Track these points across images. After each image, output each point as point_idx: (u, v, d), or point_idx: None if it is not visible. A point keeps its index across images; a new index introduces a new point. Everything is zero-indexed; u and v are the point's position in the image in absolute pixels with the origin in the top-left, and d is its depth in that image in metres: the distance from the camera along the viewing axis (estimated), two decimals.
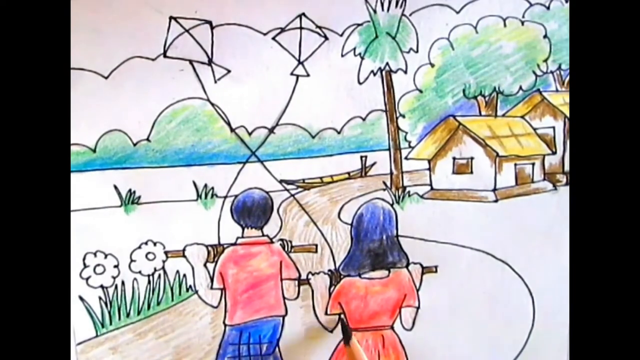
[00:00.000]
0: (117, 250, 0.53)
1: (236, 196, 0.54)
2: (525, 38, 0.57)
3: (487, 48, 0.57)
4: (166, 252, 0.53)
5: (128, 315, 0.53)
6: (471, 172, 0.58)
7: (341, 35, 0.55)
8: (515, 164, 0.59)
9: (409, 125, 0.57)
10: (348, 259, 0.56)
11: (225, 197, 0.54)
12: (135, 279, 0.53)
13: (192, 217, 0.54)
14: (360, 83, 0.56)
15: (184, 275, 0.54)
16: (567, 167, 0.59)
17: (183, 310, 0.54)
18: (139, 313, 0.53)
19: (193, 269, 0.54)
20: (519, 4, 0.57)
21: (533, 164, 0.59)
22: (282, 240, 0.55)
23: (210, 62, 0.53)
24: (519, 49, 0.58)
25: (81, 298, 0.52)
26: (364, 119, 0.56)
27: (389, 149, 0.57)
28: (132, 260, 0.53)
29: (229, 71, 0.54)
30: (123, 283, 0.53)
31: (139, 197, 0.53)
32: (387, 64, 0.56)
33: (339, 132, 0.56)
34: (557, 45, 0.58)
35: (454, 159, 0.58)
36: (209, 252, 0.54)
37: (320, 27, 0.54)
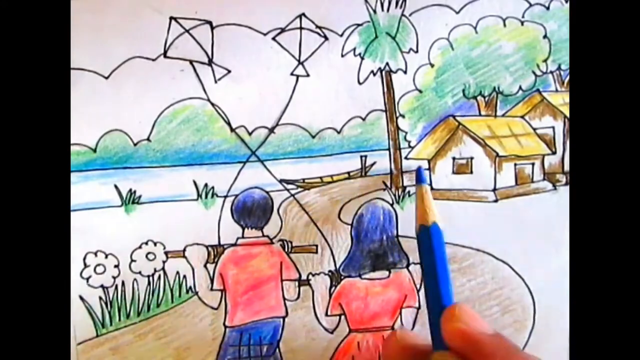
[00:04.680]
0: (118, 250, 0.53)
1: (236, 196, 0.54)
2: (525, 38, 0.58)
3: (487, 48, 0.57)
4: (166, 253, 0.53)
5: (128, 316, 0.53)
6: (471, 172, 0.58)
7: (341, 35, 0.55)
8: (515, 164, 0.58)
9: (408, 125, 0.57)
10: (348, 259, 0.55)
11: (226, 196, 0.54)
12: (135, 279, 0.53)
13: (193, 217, 0.54)
14: (360, 83, 0.56)
15: (184, 277, 0.54)
16: (566, 167, 0.59)
17: (183, 312, 0.54)
18: (139, 314, 0.53)
19: (193, 270, 0.54)
20: (519, 4, 0.57)
21: (533, 164, 0.59)
22: (282, 240, 0.55)
23: (210, 62, 0.53)
24: (518, 49, 0.58)
25: (82, 298, 0.52)
26: (363, 119, 0.56)
27: (388, 149, 0.57)
28: (132, 260, 0.53)
29: (229, 71, 0.54)
30: (123, 283, 0.53)
31: (140, 197, 0.53)
32: (387, 64, 0.56)
33: (339, 132, 0.56)
34: (556, 45, 0.58)
35: (454, 159, 0.58)
36: (209, 253, 0.54)
37: (320, 27, 0.55)
